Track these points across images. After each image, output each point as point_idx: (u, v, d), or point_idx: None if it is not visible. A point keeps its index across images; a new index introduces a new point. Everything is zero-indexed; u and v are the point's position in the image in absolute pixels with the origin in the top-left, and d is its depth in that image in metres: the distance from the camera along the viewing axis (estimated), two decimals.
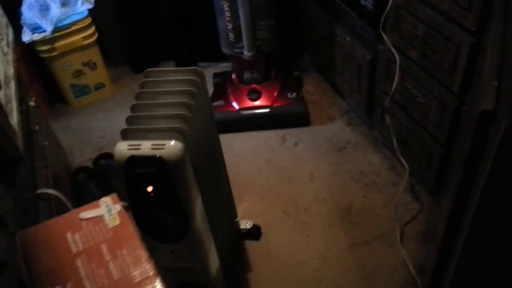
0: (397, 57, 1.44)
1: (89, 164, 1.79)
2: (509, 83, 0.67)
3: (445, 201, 1.09)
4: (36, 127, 1.40)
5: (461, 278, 0.90)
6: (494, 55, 0.83)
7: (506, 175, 0.68)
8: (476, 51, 1.16)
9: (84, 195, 1.61)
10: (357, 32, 1.70)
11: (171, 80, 1.13)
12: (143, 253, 0.78)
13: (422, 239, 1.47)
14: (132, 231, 0.81)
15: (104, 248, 0.78)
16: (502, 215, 0.73)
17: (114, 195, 0.87)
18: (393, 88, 1.50)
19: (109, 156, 1.74)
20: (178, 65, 2.27)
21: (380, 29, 1.48)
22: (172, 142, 0.97)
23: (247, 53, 1.86)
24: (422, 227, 1.51)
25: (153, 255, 1.15)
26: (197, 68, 1.14)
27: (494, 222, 0.74)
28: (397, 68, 1.45)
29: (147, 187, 1.00)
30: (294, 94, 1.97)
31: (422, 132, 1.47)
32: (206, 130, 1.17)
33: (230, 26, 1.82)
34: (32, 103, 1.48)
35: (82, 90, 2.15)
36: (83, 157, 1.89)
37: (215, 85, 2.09)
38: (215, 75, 2.13)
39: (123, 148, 0.98)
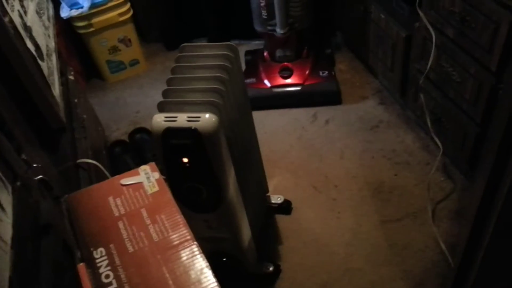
0: (433, 35, 1.41)
1: (125, 138, 1.84)
2: None
3: (478, 181, 1.08)
4: (76, 100, 1.45)
5: (492, 257, 0.90)
6: None
7: None
8: None
9: (120, 168, 1.66)
10: (392, 9, 1.68)
11: (206, 55, 1.15)
12: (180, 219, 0.81)
13: (454, 218, 1.46)
14: (170, 198, 0.85)
15: (144, 212, 0.82)
16: None
17: (153, 163, 0.90)
18: (428, 67, 1.48)
19: (144, 130, 1.79)
20: (210, 42, 2.29)
21: (417, 6, 1.46)
22: (207, 115, 1.00)
23: (279, 31, 1.86)
24: (455, 207, 1.50)
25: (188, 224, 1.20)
26: (231, 43, 1.16)
27: None
28: (433, 46, 1.43)
29: (182, 158, 1.03)
30: (326, 72, 1.97)
31: (457, 111, 1.45)
32: (240, 104, 1.19)
33: (263, 3, 1.82)
34: (71, 77, 1.53)
35: (118, 66, 2.20)
36: (119, 131, 1.95)
37: (247, 63, 2.10)
38: (247, 52, 2.14)
39: (160, 120, 1.01)
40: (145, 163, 0.94)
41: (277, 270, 1.40)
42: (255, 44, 2.24)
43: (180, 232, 0.79)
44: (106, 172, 1.30)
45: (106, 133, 1.92)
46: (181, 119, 1.00)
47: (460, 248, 1.11)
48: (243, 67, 2.06)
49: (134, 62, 2.23)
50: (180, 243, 0.77)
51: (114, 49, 2.14)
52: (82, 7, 1.95)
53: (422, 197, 1.52)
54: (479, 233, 0.94)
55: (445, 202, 1.51)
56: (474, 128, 1.40)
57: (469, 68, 1.34)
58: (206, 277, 0.73)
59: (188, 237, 0.78)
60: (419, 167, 1.63)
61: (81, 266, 0.75)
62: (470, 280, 0.98)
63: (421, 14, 1.44)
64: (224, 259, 1.28)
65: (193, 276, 0.73)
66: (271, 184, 1.63)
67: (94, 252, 0.77)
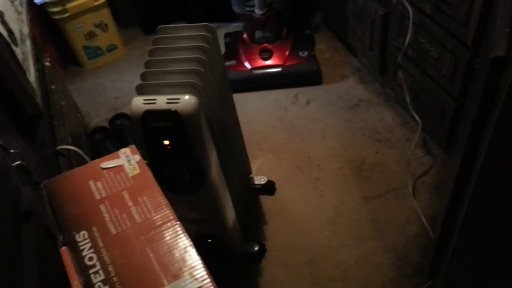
0: (411, 11, 1.42)
1: (105, 124, 1.82)
2: None
3: (455, 155, 1.10)
4: (53, 87, 1.43)
5: (469, 228, 0.93)
6: (507, 1, 0.82)
7: None
8: (490, 2, 1.15)
9: (102, 154, 1.64)
10: None
11: (183, 36, 1.14)
12: (162, 199, 0.81)
13: (434, 192, 1.49)
14: (151, 179, 0.85)
15: (126, 194, 0.82)
16: (509, 162, 0.75)
17: (133, 146, 0.90)
18: (406, 43, 1.49)
19: (124, 116, 1.78)
20: None
21: None
22: (187, 96, 0.99)
23: (258, 12, 1.85)
24: (434, 181, 1.53)
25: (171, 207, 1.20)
26: (209, 24, 1.15)
27: (502, 171, 0.76)
28: (410, 23, 1.44)
29: (163, 140, 1.03)
30: (306, 52, 1.97)
31: (435, 87, 1.47)
32: (219, 85, 1.19)
33: None
34: (47, 63, 1.51)
35: (95, 52, 2.17)
36: (99, 117, 1.93)
37: (227, 45, 2.08)
38: (227, 35, 2.13)
39: (139, 103, 1.00)
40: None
41: (263, 249, 1.42)
42: (234, 27, 2.22)
43: (163, 212, 0.79)
44: (87, 158, 1.29)
45: (86, 120, 1.90)
46: (161, 101, 1.00)
47: (439, 220, 1.14)
48: (223, 49, 2.05)
49: (112, 48, 2.20)
50: (163, 223, 0.78)
51: (90, 35, 2.11)
52: None
53: (403, 173, 1.55)
54: (457, 205, 0.96)
55: (425, 177, 1.54)
56: (452, 103, 1.42)
57: (446, 43, 1.35)
58: (190, 255, 0.73)
59: (171, 217, 0.79)
60: (399, 144, 1.66)
61: (64, 250, 0.75)
62: (449, 251, 1.00)
63: None
64: (209, 240, 1.29)
65: (177, 255, 0.73)
66: (254, 165, 1.64)
67: (77, 236, 0.77)
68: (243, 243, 1.39)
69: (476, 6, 1.18)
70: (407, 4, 1.43)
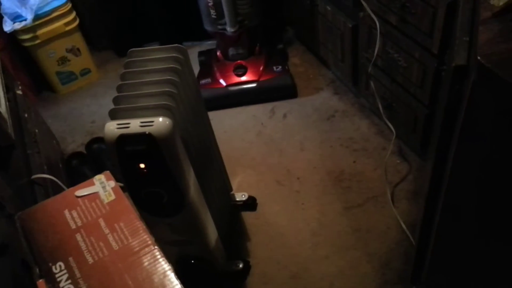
0: (377, 23, 1.46)
1: (82, 149, 1.81)
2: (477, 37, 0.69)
3: (429, 161, 1.13)
4: (25, 115, 1.41)
5: (444, 232, 0.94)
6: (466, 10, 0.85)
7: (476, 129, 0.71)
8: (452, 11, 1.18)
9: (79, 180, 1.63)
10: (337, 1, 1.71)
11: (155, 59, 1.14)
12: (140, 224, 0.81)
13: (412, 198, 1.52)
14: (127, 205, 0.84)
15: (102, 222, 0.81)
16: (476, 167, 0.77)
17: (107, 172, 0.89)
18: (375, 54, 1.52)
19: (101, 140, 1.76)
20: (162, 45, 2.26)
21: None
22: (161, 119, 0.99)
23: (230, 29, 1.87)
24: (412, 187, 1.55)
25: (152, 230, 1.19)
26: (179, 45, 1.16)
27: (470, 173, 0.78)
28: (378, 34, 1.47)
29: (139, 164, 1.03)
30: (280, 67, 1.99)
31: (406, 95, 1.50)
32: (193, 105, 1.19)
33: (210, 3, 1.82)
34: (19, 92, 1.49)
35: (68, 77, 2.15)
36: (75, 143, 1.91)
37: (201, 64, 2.10)
38: (200, 53, 2.14)
39: (112, 128, 1.00)
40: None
41: (247, 266, 1.41)
42: (208, 45, 2.24)
43: (140, 238, 0.79)
44: (63, 186, 1.28)
45: (62, 146, 1.88)
46: (134, 125, 1.00)
47: (418, 226, 1.16)
48: (197, 68, 2.06)
49: (86, 72, 2.19)
50: (141, 249, 0.77)
51: (63, 60, 2.09)
52: (25, 20, 1.90)
53: (381, 181, 1.57)
54: (433, 210, 0.98)
55: (403, 183, 1.56)
56: (423, 110, 1.45)
57: (413, 52, 1.38)
58: (169, 279, 0.73)
59: (149, 242, 0.78)
60: (376, 152, 1.68)
61: (41, 283, 0.74)
62: (428, 256, 1.02)
63: (364, 3, 1.48)
64: (193, 261, 1.28)
65: (156, 280, 0.73)
66: (235, 182, 1.64)
67: (53, 267, 0.76)
68: (227, 261, 1.39)
69: (439, 15, 1.22)
70: (374, 16, 1.46)
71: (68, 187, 1.36)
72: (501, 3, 0.65)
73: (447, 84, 0.82)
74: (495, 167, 0.72)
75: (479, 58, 0.60)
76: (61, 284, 0.73)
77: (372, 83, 1.63)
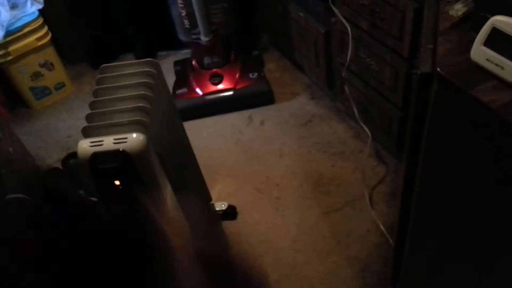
0: (349, 28, 1.48)
1: (59, 165, 1.78)
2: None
3: (403, 162, 1.15)
4: None
5: (419, 231, 0.96)
6: (431, 18, 0.87)
7: (441, 135, 0.73)
8: (420, 15, 1.20)
9: (56, 196, 1.61)
10: (309, 7, 1.73)
11: (127, 74, 1.14)
12: None
13: (390, 200, 1.54)
14: None
15: None
16: (443, 170, 0.78)
17: None
18: (348, 59, 1.54)
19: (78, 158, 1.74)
20: (137, 57, 2.26)
21: (330, 3, 1.52)
22: (134, 135, 0.99)
23: (204, 38, 1.87)
24: (389, 189, 1.57)
25: None
26: (152, 59, 1.16)
27: (438, 175, 0.79)
28: (350, 39, 1.49)
29: (114, 181, 1.02)
30: (256, 74, 2.00)
31: (379, 98, 1.53)
32: (168, 119, 1.19)
33: (184, 13, 1.83)
34: None
35: (42, 92, 2.12)
36: (51, 158, 1.89)
37: (177, 73, 2.09)
38: (176, 63, 2.14)
39: (85, 146, 0.99)
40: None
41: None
42: (183, 54, 2.23)
43: None
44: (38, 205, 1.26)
45: (38, 162, 1.85)
46: (108, 142, 0.99)
47: (395, 227, 1.18)
48: (173, 78, 2.06)
49: (60, 86, 2.16)
50: None
51: (36, 75, 2.07)
52: None
53: (359, 184, 1.59)
54: (408, 211, 1.00)
55: (380, 186, 1.58)
56: (397, 112, 1.48)
57: (384, 57, 1.41)
58: None
59: None
60: (353, 156, 1.70)
61: None
62: (405, 256, 1.04)
63: (335, 10, 1.50)
64: None
65: None
66: (214, 192, 1.64)
67: None
68: None
69: (407, 19, 1.24)
70: (345, 22, 1.48)
71: (46, 204, 1.35)
72: (459, 13, 0.66)
73: (415, 91, 0.83)
74: (460, 169, 0.74)
75: (438, 69, 0.62)
76: None
77: (346, 87, 1.65)
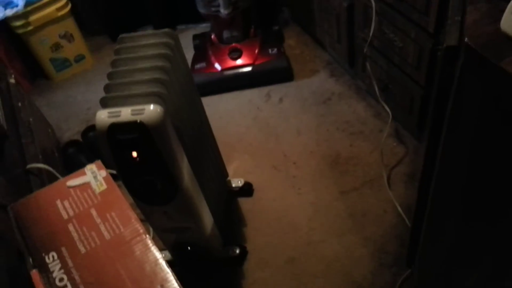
0: (373, 2, 1.43)
1: (78, 137, 1.80)
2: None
3: (424, 143, 1.12)
4: (19, 104, 1.40)
5: (436, 212, 0.94)
6: None
7: (465, 113, 0.70)
8: None
9: (76, 169, 1.63)
10: None
11: (145, 45, 1.13)
12: (131, 214, 0.81)
13: (408, 181, 1.51)
14: (119, 195, 0.84)
15: (94, 212, 0.81)
16: (465, 150, 0.76)
17: (99, 161, 0.89)
18: (370, 34, 1.50)
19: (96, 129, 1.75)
20: (156, 29, 2.23)
21: None
22: (152, 106, 0.98)
23: (223, 11, 1.84)
24: (408, 170, 1.54)
25: (148, 217, 1.19)
26: (170, 30, 1.14)
27: (460, 156, 0.77)
28: (373, 13, 1.45)
29: (131, 152, 1.02)
30: (275, 49, 1.97)
31: (402, 76, 1.49)
32: (186, 92, 1.18)
33: None
34: (12, 80, 1.48)
35: (63, 64, 2.13)
36: (71, 130, 1.91)
37: (196, 47, 2.07)
38: (195, 37, 2.11)
39: (103, 117, 0.99)
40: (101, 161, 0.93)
41: (244, 252, 1.42)
42: (202, 27, 2.21)
43: (132, 227, 0.79)
44: (58, 175, 1.27)
45: (58, 134, 1.87)
46: (125, 113, 0.99)
47: (413, 208, 1.16)
48: (192, 52, 2.04)
49: (80, 58, 2.17)
50: (132, 238, 0.77)
51: (56, 46, 2.07)
52: (17, 6, 1.87)
53: (377, 164, 1.56)
54: (427, 191, 0.98)
55: (399, 166, 1.55)
56: (419, 91, 1.44)
57: (409, 32, 1.36)
58: (160, 268, 0.73)
59: (140, 231, 0.78)
60: (372, 135, 1.67)
61: (34, 273, 0.74)
62: (422, 238, 1.02)
63: None
64: (189, 247, 1.28)
65: (147, 269, 0.73)
66: (231, 168, 1.63)
67: (46, 257, 0.76)
68: (223, 247, 1.39)
69: None
70: None
71: (64, 176, 1.36)
72: None
73: (440, 66, 0.80)
74: (483, 151, 0.71)
75: (466, 40, 0.59)
76: (54, 274, 0.74)
77: (368, 64, 1.62)
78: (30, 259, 0.77)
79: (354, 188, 1.53)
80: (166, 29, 1.14)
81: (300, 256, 1.38)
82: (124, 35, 1.15)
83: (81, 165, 1.48)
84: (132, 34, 1.16)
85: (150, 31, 1.16)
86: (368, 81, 1.70)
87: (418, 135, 1.61)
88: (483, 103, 0.65)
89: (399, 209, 1.41)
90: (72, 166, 1.65)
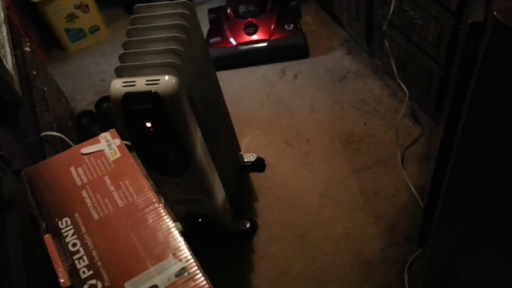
0: None
1: (92, 108, 1.81)
2: None
3: (442, 123, 1.10)
4: (34, 72, 1.41)
5: (452, 194, 0.93)
6: None
7: (490, 89, 0.68)
8: None
9: (89, 139, 1.64)
10: None
11: (161, 15, 1.11)
12: (145, 183, 0.81)
13: (423, 161, 1.50)
14: (132, 163, 0.84)
15: (107, 179, 0.81)
16: (487, 129, 0.74)
17: (113, 130, 0.89)
18: (390, 12, 1.47)
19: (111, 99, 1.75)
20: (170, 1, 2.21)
21: None
22: (167, 77, 0.98)
23: None
24: (423, 150, 1.53)
25: (160, 188, 1.20)
26: (187, 1, 1.12)
27: (481, 135, 0.75)
28: None
29: (145, 123, 1.02)
30: (292, 25, 1.94)
31: (421, 55, 1.46)
32: (201, 64, 1.17)
33: None
34: (27, 49, 1.48)
35: (77, 34, 2.13)
36: (85, 101, 1.91)
37: (211, 21, 2.05)
38: (210, 10, 2.09)
39: (118, 86, 0.99)
40: None
41: (254, 226, 1.42)
42: (218, 1, 2.18)
43: (145, 195, 0.79)
44: (72, 144, 1.28)
45: (72, 105, 1.88)
46: (140, 83, 0.98)
47: (427, 187, 1.15)
48: (207, 26, 2.02)
49: (94, 29, 2.16)
50: (146, 206, 0.77)
51: (71, 17, 2.06)
52: None
53: (392, 144, 1.55)
54: (443, 172, 0.96)
55: (414, 146, 1.53)
56: (438, 70, 1.41)
57: (430, 10, 1.33)
58: (173, 236, 0.73)
59: (154, 200, 0.78)
60: (388, 114, 1.65)
61: (47, 237, 0.75)
62: (435, 218, 1.01)
63: None
64: (200, 219, 1.29)
65: (160, 237, 0.73)
66: (243, 143, 1.63)
67: (59, 222, 0.77)
68: (234, 221, 1.40)
69: None
70: None
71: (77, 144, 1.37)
72: None
73: (463, 43, 0.78)
74: (506, 130, 0.69)
75: (495, 13, 0.57)
76: (67, 239, 0.74)
77: (386, 43, 1.58)
78: (44, 224, 0.78)
79: (367, 167, 1.51)
80: (183, 0, 1.12)
81: (310, 232, 1.39)
82: (140, 4, 1.14)
83: (95, 136, 1.50)
84: (148, 4, 1.15)
85: (166, 1, 1.14)
86: (386, 59, 1.67)
87: (434, 115, 1.58)
88: (509, 79, 0.63)
89: (412, 189, 1.40)
90: (86, 136, 1.66)
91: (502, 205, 0.81)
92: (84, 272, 0.70)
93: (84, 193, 0.80)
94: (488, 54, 0.64)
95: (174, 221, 1.34)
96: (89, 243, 0.73)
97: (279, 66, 1.91)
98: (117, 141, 0.87)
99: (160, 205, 0.77)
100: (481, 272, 1.00)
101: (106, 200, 0.78)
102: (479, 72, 0.66)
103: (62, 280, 0.68)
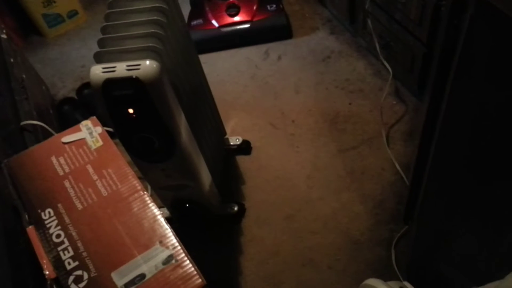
0: None
1: (73, 94, 1.77)
2: None
3: (425, 101, 1.10)
4: (11, 60, 1.37)
5: (437, 170, 0.94)
6: None
7: (473, 66, 0.68)
8: None
9: (71, 126, 1.61)
10: None
11: None
12: (128, 170, 0.80)
13: (407, 139, 1.51)
14: (115, 151, 0.83)
15: (90, 168, 0.80)
16: (471, 105, 0.74)
17: (94, 118, 0.87)
18: None
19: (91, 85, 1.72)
20: None
21: None
22: (148, 62, 0.95)
23: None
24: (408, 128, 1.53)
25: (145, 175, 1.19)
26: None
27: (465, 111, 0.75)
28: None
29: (127, 109, 1.00)
30: (274, 6, 1.91)
31: (404, 33, 1.45)
32: (183, 48, 1.15)
33: None
34: (3, 36, 1.43)
35: (55, 20, 2.07)
36: (66, 88, 1.87)
37: (192, 3, 2.01)
38: None
39: (98, 72, 0.96)
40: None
41: (242, 209, 1.42)
42: None
43: (129, 183, 0.78)
44: (54, 132, 1.26)
45: (52, 92, 1.84)
46: (120, 68, 0.96)
47: (412, 165, 1.15)
48: (188, 8, 1.98)
49: (73, 14, 2.10)
50: (130, 194, 0.76)
51: (48, 2, 2.01)
52: None
53: (377, 123, 1.55)
54: (427, 149, 0.97)
55: (398, 125, 1.54)
56: (421, 48, 1.40)
57: None
58: (159, 224, 0.73)
59: (138, 188, 0.77)
60: (372, 94, 1.65)
61: (30, 229, 0.74)
62: (420, 195, 1.02)
63: None
64: (187, 205, 1.29)
65: (146, 225, 0.73)
66: (228, 126, 1.62)
67: (42, 214, 0.76)
68: (222, 205, 1.40)
69: None
70: None
71: (59, 132, 1.35)
72: None
73: (445, 19, 0.78)
74: (490, 106, 0.69)
75: None
76: (51, 230, 0.73)
77: (369, 21, 1.57)
78: (26, 216, 0.77)
79: (352, 146, 1.52)
80: None
81: (298, 213, 1.39)
82: None
83: (77, 123, 1.47)
84: None
85: None
86: (369, 38, 1.66)
87: (418, 93, 1.59)
88: (492, 57, 0.63)
89: (398, 167, 1.41)
90: (67, 123, 1.62)
91: (485, 181, 0.82)
92: (69, 263, 0.69)
93: (66, 183, 0.79)
94: (471, 30, 0.64)
95: (161, 207, 1.33)
96: (74, 234, 0.72)
97: (262, 47, 1.89)
98: (99, 128, 0.86)
99: (145, 192, 0.77)
100: (465, 246, 1.02)
101: (90, 190, 0.77)
102: (462, 49, 0.66)
103: (47, 272, 0.68)
